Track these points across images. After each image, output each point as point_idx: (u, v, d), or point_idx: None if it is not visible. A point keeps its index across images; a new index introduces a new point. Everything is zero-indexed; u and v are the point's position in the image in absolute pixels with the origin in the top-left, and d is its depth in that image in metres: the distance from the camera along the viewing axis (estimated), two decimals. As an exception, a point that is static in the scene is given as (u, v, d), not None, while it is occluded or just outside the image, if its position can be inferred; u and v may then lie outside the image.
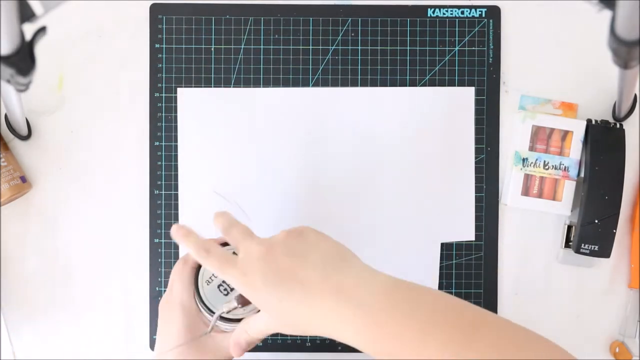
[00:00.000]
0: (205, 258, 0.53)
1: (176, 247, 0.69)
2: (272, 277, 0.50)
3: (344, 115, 0.70)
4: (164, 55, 0.70)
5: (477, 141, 0.70)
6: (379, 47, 0.70)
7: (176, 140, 0.69)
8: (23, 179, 0.67)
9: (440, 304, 0.48)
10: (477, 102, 0.70)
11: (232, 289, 0.58)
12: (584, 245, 0.67)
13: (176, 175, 0.70)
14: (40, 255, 0.69)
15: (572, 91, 0.70)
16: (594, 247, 0.67)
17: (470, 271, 0.70)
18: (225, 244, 0.59)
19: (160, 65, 0.70)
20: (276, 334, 0.69)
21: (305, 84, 0.70)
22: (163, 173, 0.70)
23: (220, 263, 0.53)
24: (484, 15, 0.70)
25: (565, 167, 0.68)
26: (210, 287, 0.58)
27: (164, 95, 0.70)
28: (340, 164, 0.70)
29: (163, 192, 0.69)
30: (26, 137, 0.68)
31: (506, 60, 0.70)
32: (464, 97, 0.70)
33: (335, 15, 0.70)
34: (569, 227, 0.69)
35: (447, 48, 0.70)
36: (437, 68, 0.70)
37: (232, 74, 0.70)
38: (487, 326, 0.47)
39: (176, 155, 0.69)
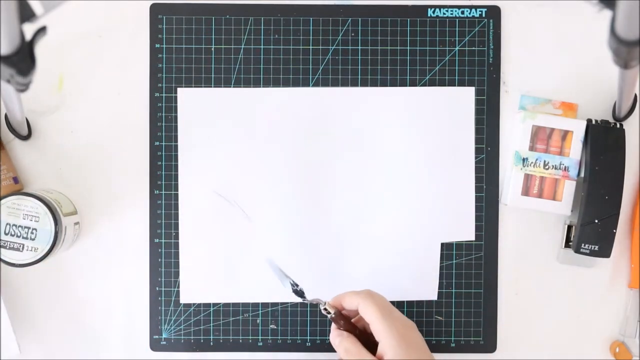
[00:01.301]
0: None
1: (176, 247, 0.69)
2: None
3: (344, 115, 0.70)
4: (164, 55, 0.70)
5: (477, 141, 0.70)
6: (379, 47, 0.70)
7: (176, 140, 0.69)
8: (15, 180, 0.67)
9: None
10: (477, 102, 0.70)
11: None
12: (584, 245, 0.67)
13: (176, 175, 0.69)
14: (40, 255, 0.69)
15: (572, 91, 0.70)
16: (594, 247, 0.67)
17: (470, 271, 0.70)
18: (346, 318, 0.61)
19: (160, 65, 0.70)
20: (275, 334, 0.69)
21: (305, 84, 0.70)
22: (163, 173, 0.69)
23: None
24: (484, 15, 0.70)
25: (565, 167, 0.68)
26: None
27: (164, 95, 0.70)
28: (340, 164, 0.70)
29: (163, 192, 0.69)
30: (26, 137, 0.68)
31: (506, 60, 0.70)
32: (464, 97, 0.70)
33: (335, 15, 0.70)
34: (569, 227, 0.69)
35: (447, 48, 0.70)
36: (437, 68, 0.70)
37: (232, 74, 0.70)
38: None
39: (176, 155, 0.69)
